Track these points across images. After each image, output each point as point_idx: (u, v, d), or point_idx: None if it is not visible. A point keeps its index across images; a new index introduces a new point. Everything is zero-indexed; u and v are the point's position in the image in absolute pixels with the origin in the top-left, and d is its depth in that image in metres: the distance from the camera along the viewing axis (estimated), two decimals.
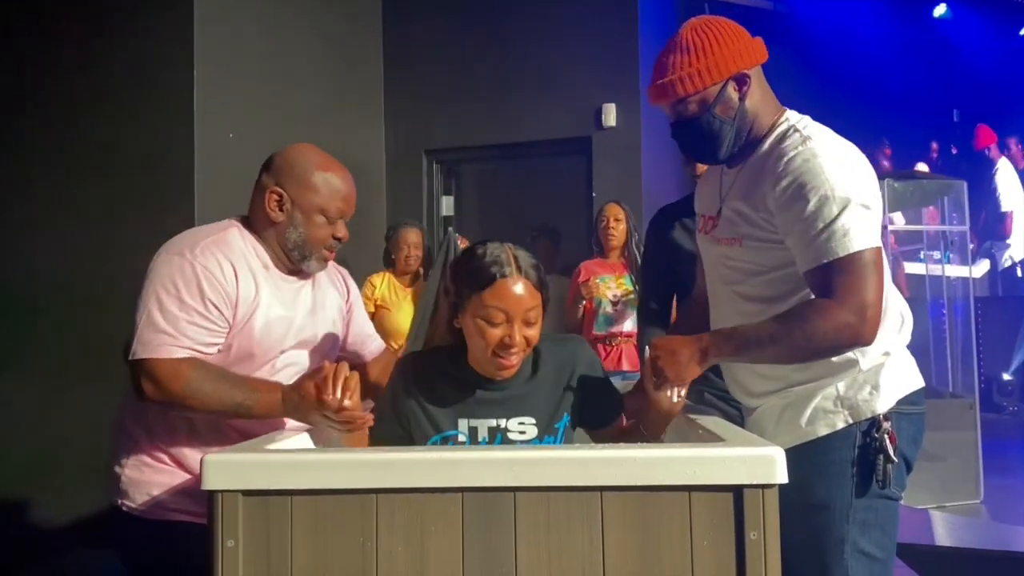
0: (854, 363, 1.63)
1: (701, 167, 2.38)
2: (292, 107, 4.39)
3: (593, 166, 5.08)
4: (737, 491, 1.28)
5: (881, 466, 1.58)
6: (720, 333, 1.65)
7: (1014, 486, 5.14)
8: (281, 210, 1.77)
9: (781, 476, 1.28)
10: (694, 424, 1.67)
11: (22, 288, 3.86)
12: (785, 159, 1.59)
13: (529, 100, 5.13)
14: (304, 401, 1.63)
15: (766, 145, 1.66)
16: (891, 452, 1.57)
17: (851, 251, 1.51)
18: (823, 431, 1.63)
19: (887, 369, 1.63)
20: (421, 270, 4.24)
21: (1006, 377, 7.88)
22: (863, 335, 1.52)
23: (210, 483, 1.31)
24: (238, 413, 1.67)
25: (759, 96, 1.66)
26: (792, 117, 1.67)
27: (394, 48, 5.42)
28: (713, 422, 1.66)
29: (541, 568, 1.29)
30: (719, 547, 1.28)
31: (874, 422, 1.60)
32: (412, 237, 4.18)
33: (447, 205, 5.53)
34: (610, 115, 5.01)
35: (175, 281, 1.67)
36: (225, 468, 1.32)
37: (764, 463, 1.28)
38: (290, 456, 1.39)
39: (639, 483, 1.28)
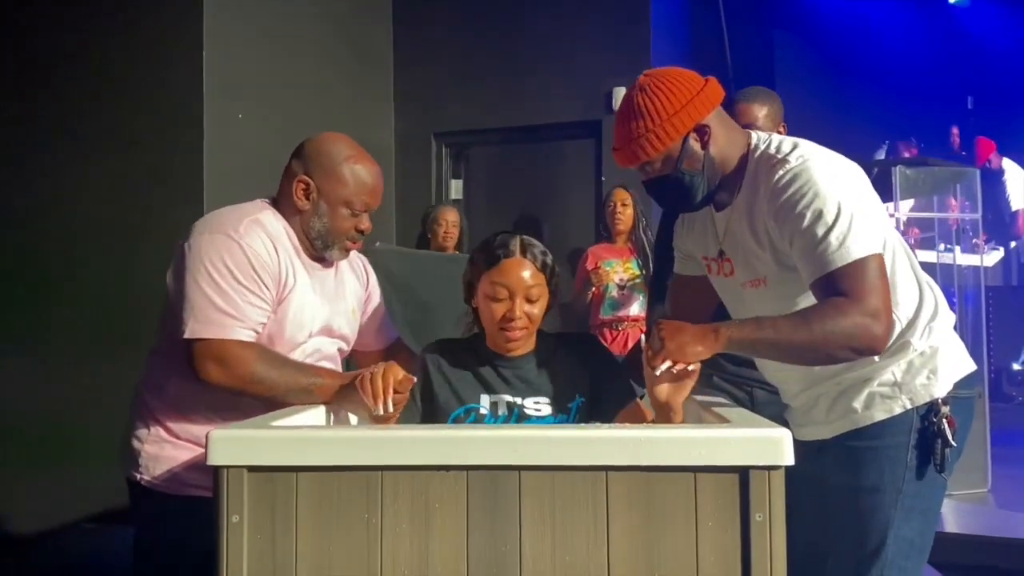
0: (906, 345, 1.62)
1: None
2: (301, 89, 4.38)
3: (603, 149, 5.06)
4: (743, 472, 1.27)
5: (939, 450, 1.58)
6: (737, 319, 1.64)
7: (1022, 476, 5.12)
8: (307, 199, 1.80)
9: (788, 458, 1.27)
10: (701, 405, 1.66)
11: (34, 267, 3.87)
12: (771, 186, 1.58)
13: (539, 83, 5.11)
14: (356, 395, 1.68)
15: (747, 179, 1.65)
16: (950, 436, 1.58)
17: (852, 259, 1.50)
18: (880, 416, 1.62)
19: (943, 353, 1.63)
20: (456, 252, 4.22)
21: (1016, 367, 7.83)
22: (878, 338, 1.50)
23: (215, 458, 1.31)
24: (298, 398, 1.70)
25: (723, 138, 1.64)
26: (760, 143, 1.65)
27: (404, 31, 5.39)
28: (720, 404, 1.66)
29: (545, 547, 1.29)
30: (724, 528, 1.28)
31: (932, 406, 1.60)
32: (451, 216, 4.22)
33: (456, 188, 5.51)
34: (620, 98, 4.97)
35: (225, 261, 1.69)
36: (230, 443, 1.32)
37: (771, 445, 1.28)
38: (295, 432, 1.39)
39: (644, 463, 1.28)
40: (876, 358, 1.61)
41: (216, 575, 1.31)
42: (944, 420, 1.58)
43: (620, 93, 4.98)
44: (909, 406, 1.61)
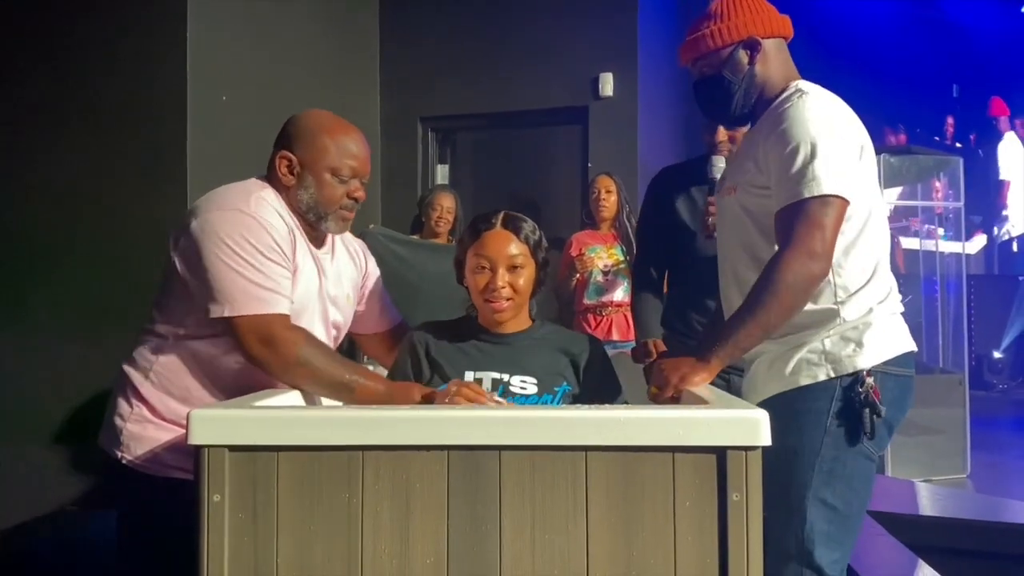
0: (835, 315, 1.68)
1: (721, 136, 2.44)
2: (286, 72, 4.35)
3: (589, 136, 5.05)
4: (720, 453, 1.29)
5: (867, 419, 1.63)
6: (709, 337, 1.76)
7: (1000, 462, 5.20)
8: (292, 174, 1.79)
9: (764, 438, 1.29)
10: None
11: (16, 249, 3.84)
12: (777, 112, 1.71)
13: (526, 68, 5.09)
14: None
15: (773, 104, 1.76)
16: (879, 406, 1.63)
17: (815, 194, 1.59)
18: (805, 381, 1.69)
19: (872, 329, 1.68)
20: (450, 237, 4.20)
21: (996, 355, 7.92)
22: (815, 275, 1.60)
23: (196, 438, 1.31)
24: (338, 393, 1.67)
25: (774, 65, 1.80)
26: (802, 85, 1.76)
27: (390, 14, 5.36)
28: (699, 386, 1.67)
29: (525, 526, 1.30)
30: (701, 508, 1.29)
31: (857, 378, 1.65)
32: (446, 201, 4.17)
33: (442, 174, 5.49)
34: (607, 85, 4.97)
35: (245, 237, 1.66)
36: (212, 423, 1.32)
37: (748, 425, 1.29)
38: (277, 412, 1.39)
39: (623, 443, 1.29)
40: (808, 327, 1.69)
41: (198, 554, 1.31)
42: (870, 390, 1.64)
43: (607, 79, 4.98)
44: (832, 374, 1.67)
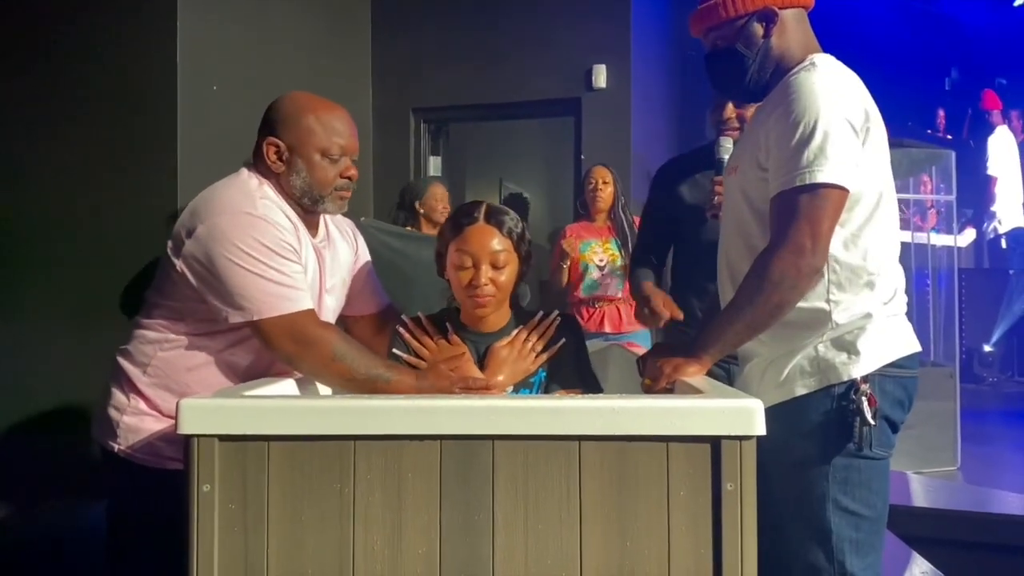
0: (827, 318, 1.62)
1: (729, 112, 2.35)
2: (277, 63, 4.32)
3: (582, 127, 5.04)
4: (715, 442, 1.28)
5: (857, 429, 1.57)
6: (700, 332, 1.70)
7: (990, 454, 5.22)
8: (280, 160, 1.77)
9: (759, 428, 1.28)
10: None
11: (5, 238, 3.81)
12: (783, 85, 1.63)
13: (519, 60, 5.07)
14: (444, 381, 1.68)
15: (784, 79, 1.67)
16: (868, 415, 1.56)
17: (807, 183, 1.52)
18: (800, 391, 1.63)
19: (867, 335, 1.61)
20: None
21: (987, 348, 7.95)
22: (803, 271, 1.53)
23: (186, 427, 1.30)
24: (375, 386, 1.66)
25: (791, 38, 1.70)
26: (817, 58, 1.66)
27: (382, 4, 5.33)
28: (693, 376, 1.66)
29: (518, 516, 1.29)
30: (696, 497, 1.29)
31: (851, 385, 1.59)
32: (442, 191, 4.14)
33: (435, 166, 5.47)
34: (600, 76, 4.96)
35: (258, 240, 1.65)
36: (201, 412, 1.31)
37: (742, 415, 1.29)
38: (267, 401, 1.38)
39: (617, 433, 1.29)
40: (799, 328, 1.63)
41: (187, 545, 1.30)
42: (863, 398, 1.57)
43: (600, 71, 4.96)
44: (826, 383, 1.61)
